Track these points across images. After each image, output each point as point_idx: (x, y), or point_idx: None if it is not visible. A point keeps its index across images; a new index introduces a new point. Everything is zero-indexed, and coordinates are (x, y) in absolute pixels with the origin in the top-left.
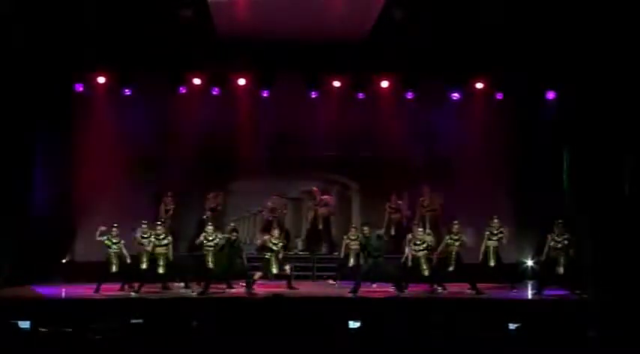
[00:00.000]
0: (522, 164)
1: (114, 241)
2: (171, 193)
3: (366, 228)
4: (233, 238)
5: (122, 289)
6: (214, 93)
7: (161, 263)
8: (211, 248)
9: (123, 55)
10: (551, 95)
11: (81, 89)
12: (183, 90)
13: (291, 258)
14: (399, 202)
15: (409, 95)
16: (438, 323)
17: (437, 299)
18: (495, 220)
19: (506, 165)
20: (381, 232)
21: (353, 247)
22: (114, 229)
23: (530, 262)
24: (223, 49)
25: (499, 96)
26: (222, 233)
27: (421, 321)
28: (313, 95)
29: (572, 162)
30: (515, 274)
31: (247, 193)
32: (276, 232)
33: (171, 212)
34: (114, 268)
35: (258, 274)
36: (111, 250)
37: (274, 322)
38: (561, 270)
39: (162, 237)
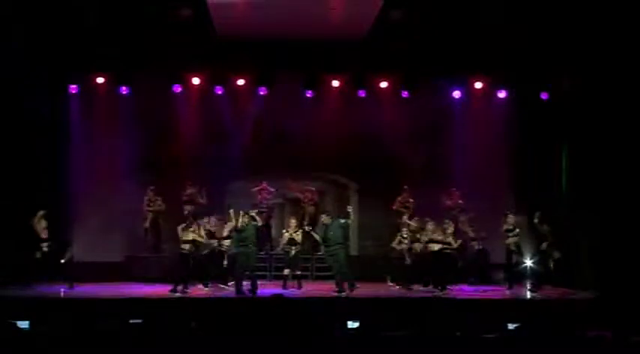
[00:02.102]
0: (522, 163)
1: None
2: (154, 187)
3: (323, 216)
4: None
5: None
6: (215, 92)
7: None
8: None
9: (122, 55)
10: (545, 96)
11: (75, 91)
12: (181, 89)
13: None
14: (411, 200)
15: (409, 95)
16: (437, 323)
17: (437, 299)
18: (510, 216)
19: (506, 164)
20: (346, 221)
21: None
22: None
23: (529, 262)
24: (223, 49)
25: (499, 95)
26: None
27: (421, 321)
28: (313, 95)
29: (571, 161)
30: (514, 274)
31: (247, 193)
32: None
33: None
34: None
35: None
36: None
37: (274, 322)
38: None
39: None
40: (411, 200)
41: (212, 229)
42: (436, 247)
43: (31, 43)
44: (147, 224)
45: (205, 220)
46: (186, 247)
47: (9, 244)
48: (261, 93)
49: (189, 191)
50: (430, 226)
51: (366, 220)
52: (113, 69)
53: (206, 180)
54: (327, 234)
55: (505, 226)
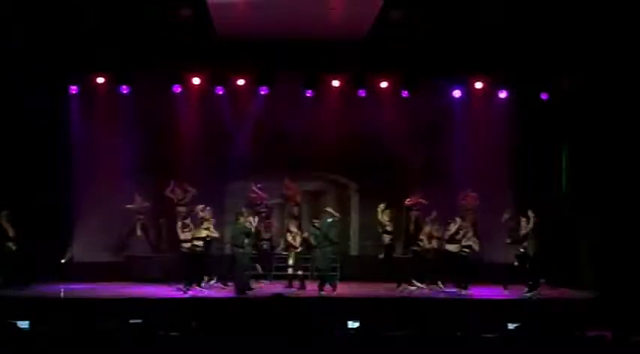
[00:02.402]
0: (522, 163)
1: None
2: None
3: (316, 220)
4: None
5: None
6: (215, 92)
7: None
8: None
9: (122, 55)
10: (545, 96)
11: (75, 91)
12: (181, 89)
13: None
14: (421, 200)
15: (409, 95)
16: (437, 323)
17: (437, 299)
18: (523, 220)
19: (506, 164)
20: (333, 220)
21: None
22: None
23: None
24: (223, 49)
25: (499, 95)
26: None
27: (421, 321)
28: (313, 95)
29: (571, 161)
30: (513, 274)
31: (246, 193)
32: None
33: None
34: None
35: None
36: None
37: (274, 322)
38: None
39: None
40: (422, 200)
41: (206, 218)
42: (454, 248)
43: (31, 43)
44: (138, 230)
45: (200, 207)
46: (200, 244)
47: (9, 244)
48: (262, 93)
49: (178, 191)
50: (453, 226)
51: (366, 220)
52: (113, 69)
53: (206, 180)
54: (320, 235)
55: (524, 230)
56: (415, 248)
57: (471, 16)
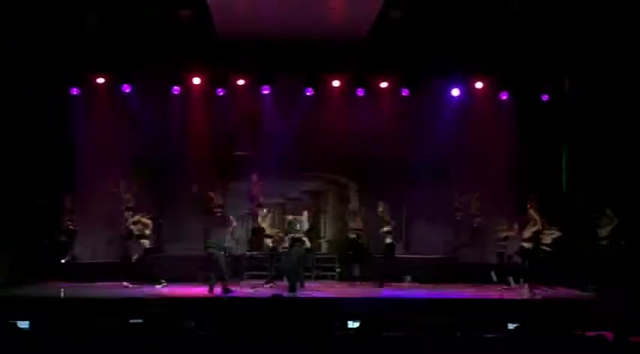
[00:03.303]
0: (522, 164)
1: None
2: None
3: (290, 216)
4: None
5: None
6: (215, 92)
7: None
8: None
9: (122, 55)
10: (545, 97)
11: (75, 92)
12: (182, 89)
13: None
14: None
15: (409, 95)
16: (438, 323)
17: (437, 299)
18: (603, 219)
19: (507, 164)
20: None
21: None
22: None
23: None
24: (223, 49)
25: (499, 95)
26: None
27: (421, 321)
28: (313, 95)
29: (571, 161)
30: (514, 274)
31: (247, 193)
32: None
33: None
34: None
35: None
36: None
37: (274, 322)
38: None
39: None
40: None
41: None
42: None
43: (31, 43)
44: (62, 236)
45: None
46: (269, 241)
47: (9, 244)
48: (262, 93)
49: (127, 196)
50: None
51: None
52: (113, 69)
53: (206, 180)
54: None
55: (604, 230)
56: (500, 250)
57: (472, 16)
